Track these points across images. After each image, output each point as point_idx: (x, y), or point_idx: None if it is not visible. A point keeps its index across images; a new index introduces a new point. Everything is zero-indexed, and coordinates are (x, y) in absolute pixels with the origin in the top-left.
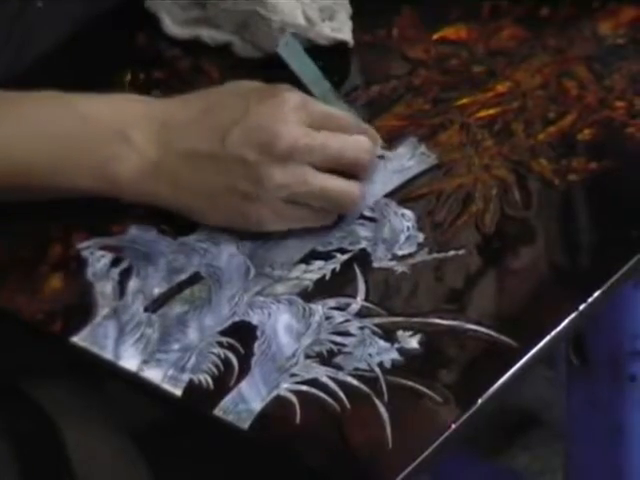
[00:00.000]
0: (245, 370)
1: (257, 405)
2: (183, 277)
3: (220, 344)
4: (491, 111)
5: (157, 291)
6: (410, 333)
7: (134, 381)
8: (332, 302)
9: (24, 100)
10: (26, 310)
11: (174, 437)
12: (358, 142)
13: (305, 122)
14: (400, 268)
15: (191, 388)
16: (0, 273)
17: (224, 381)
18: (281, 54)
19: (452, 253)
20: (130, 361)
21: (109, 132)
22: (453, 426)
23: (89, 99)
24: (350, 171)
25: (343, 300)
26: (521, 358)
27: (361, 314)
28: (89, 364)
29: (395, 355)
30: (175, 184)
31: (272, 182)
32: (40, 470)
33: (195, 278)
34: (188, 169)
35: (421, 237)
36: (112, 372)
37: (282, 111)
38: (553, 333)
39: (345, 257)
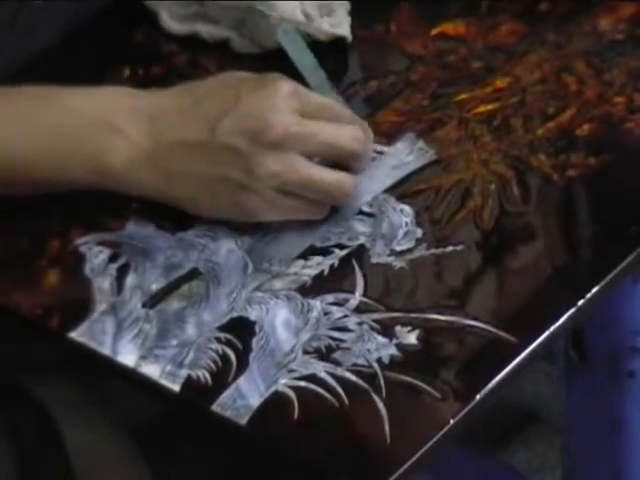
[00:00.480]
0: (243, 366)
1: (255, 401)
2: (181, 273)
3: (218, 340)
4: (490, 106)
5: (155, 287)
6: (408, 329)
7: (132, 377)
8: (330, 298)
9: (8, 95)
10: (24, 305)
11: (173, 432)
12: (350, 131)
13: (297, 111)
14: (398, 264)
15: (189, 384)
16: None
17: (222, 377)
18: (280, 41)
19: (450, 249)
20: (128, 357)
21: (97, 124)
22: (452, 422)
23: (74, 93)
24: (343, 161)
25: (341, 296)
26: (519, 354)
27: (359, 310)
28: (88, 359)
29: (393, 351)
30: (167, 175)
31: (263, 170)
32: (40, 466)
33: (193, 274)
34: (180, 159)
35: (419, 233)
36: (110, 368)
37: (274, 100)
38: (552, 329)
39: (343, 253)
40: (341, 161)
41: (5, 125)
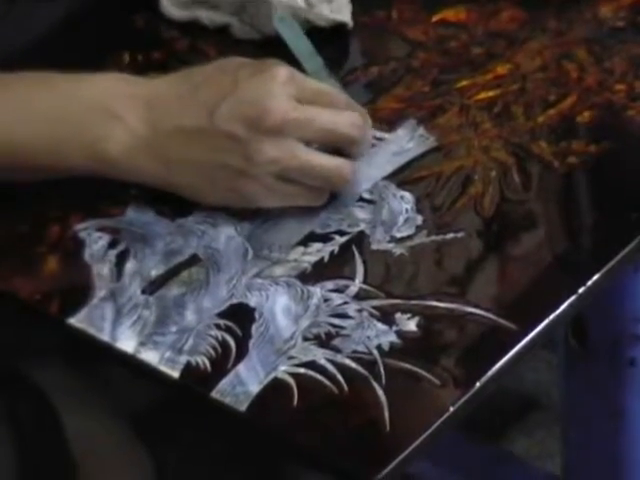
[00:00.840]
0: (243, 352)
1: (255, 387)
2: (181, 259)
3: (218, 326)
4: (491, 93)
5: (154, 273)
6: (408, 316)
7: (131, 363)
8: (330, 284)
9: (8, 82)
10: (24, 291)
11: (173, 419)
12: (349, 117)
13: (294, 97)
14: (398, 250)
15: (188, 370)
16: None
17: (221, 363)
18: (276, 27)
19: (451, 236)
20: (127, 343)
21: (96, 110)
22: (451, 409)
23: (73, 79)
24: (341, 147)
25: (341, 282)
26: (520, 341)
27: (359, 296)
28: (88, 345)
29: (393, 338)
30: (165, 161)
31: (262, 157)
32: (39, 452)
33: (193, 260)
34: (178, 146)
35: (420, 219)
36: (109, 354)
37: (271, 86)
38: (552, 316)
39: (343, 239)
40: (340, 147)
41: (4, 111)
